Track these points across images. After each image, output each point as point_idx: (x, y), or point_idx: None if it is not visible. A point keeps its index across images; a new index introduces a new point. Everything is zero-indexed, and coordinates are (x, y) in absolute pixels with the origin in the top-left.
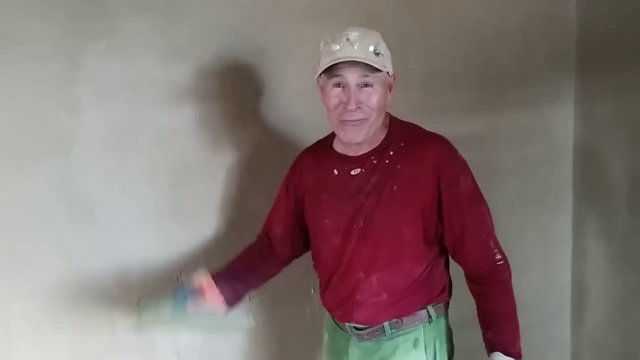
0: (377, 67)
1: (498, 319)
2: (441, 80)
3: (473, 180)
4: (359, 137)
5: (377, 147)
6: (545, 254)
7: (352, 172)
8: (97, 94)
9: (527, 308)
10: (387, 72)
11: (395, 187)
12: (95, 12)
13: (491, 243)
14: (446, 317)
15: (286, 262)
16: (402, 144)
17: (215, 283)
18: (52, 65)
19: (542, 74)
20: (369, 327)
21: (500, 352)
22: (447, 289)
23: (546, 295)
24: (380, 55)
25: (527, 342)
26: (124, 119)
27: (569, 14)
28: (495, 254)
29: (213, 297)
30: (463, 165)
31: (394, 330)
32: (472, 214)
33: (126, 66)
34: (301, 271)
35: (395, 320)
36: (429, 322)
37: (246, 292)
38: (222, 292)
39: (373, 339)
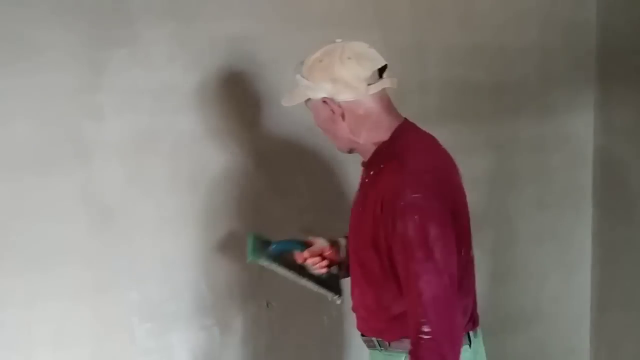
0: (289, 104)
1: None
2: (460, 87)
3: (417, 228)
4: (338, 149)
5: (367, 161)
6: (565, 262)
7: (361, 180)
8: (119, 102)
9: (546, 317)
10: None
11: (361, 209)
12: (118, 20)
13: (420, 310)
14: None
15: None
16: (382, 166)
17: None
18: (74, 73)
19: (561, 81)
20: (364, 336)
21: None
22: None
23: (565, 304)
24: (299, 86)
25: (546, 351)
26: (145, 126)
27: (589, 21)
28: (421, 323)
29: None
30: (406, 210)
31: (382, 348)
32: (406, 266)
33: (147, 74)
34: None
35: (381, 339)
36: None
37: None
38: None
39: (370, 349)
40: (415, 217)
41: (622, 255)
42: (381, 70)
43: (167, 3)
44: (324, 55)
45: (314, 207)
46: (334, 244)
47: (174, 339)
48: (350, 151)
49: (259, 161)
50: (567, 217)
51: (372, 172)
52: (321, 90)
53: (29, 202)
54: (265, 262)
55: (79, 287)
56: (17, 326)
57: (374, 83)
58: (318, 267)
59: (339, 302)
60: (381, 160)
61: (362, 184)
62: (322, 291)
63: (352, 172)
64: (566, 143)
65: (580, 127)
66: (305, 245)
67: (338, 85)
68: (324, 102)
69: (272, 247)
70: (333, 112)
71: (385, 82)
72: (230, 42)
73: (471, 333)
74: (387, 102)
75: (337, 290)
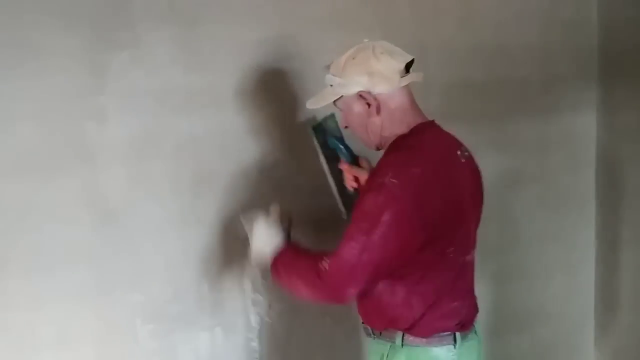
0: (317, 106)
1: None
2: (462, 88)
3: (376, 206)
4: (366, 147)
5: (384, 151)
6: (568, 263)
7: None
8: (121, 104)
9: (550, 317)
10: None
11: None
12: (120, 23)
13: (330, 255)
14: (427, 352)
15: None
16: (390, 153)
17: None
18: (77, 75)
19: (563, 81)
20: (363, 323)
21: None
22: (421, 325)
23: (569, 305)
24: (331, 86)
25: (550, 352)
26: (148, 127)
27: (591, 20)
28: (324, 260)
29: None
30: (378, 187)
31: (375, 335)
32: (352, 221)
33: (150, 76)
34: None
35: (373, 327)
36: (396, 344)
37: None
38: None
39: (367, 337)
40: (381, 197)
41: (625, 256)
42: (407, 67)
43: (168, 6)
44: (356, 53)
45: (320, 209)
46: None
47: (177, 340)
48: (378, 148)
49: (262, 161)
50: (570, 217)
51: (382, 156)
52: (357, 85)
53: (33, 205)
54: (316, 143)
55: (83, 288)
56: (21, 328)
57: (404, 76)
58: (348, 183)
59: (344, 217)
60: (392, 149)
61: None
62: (338, 200)
63: None
64: (569, 143)
65: (582, 127)
66: (354, 160)
67: (374, 78)
68: (360, 96)
69: (330, 139)
70: (369, 105)
71: (413, 76)
72: (231, 44)
73: (458, 334)
74: (412, 98)
75: (350, 209)
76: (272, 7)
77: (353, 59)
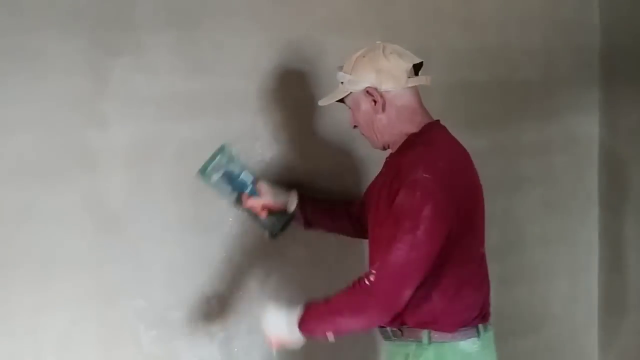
0: (328, 102)
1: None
2: (464, 90)
3: (414, 203)
4: (373, 146)
5: (392, 153)
6: (572, 264)
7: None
8: (122, 109)
9: (555, 319)
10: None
11: (379, 189)
12: (121, 28)
13: (378, 264)
14: (454, 347)
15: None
16: (406, 150)
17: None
18: (78, 80)
19: (565, 82)
20: (381, 327)
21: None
22: (446, 320)
23: (573, 306)
24: (342, 83)
25: (554, 354)
26: (149, 133)
27: (593, 23)
28: (371, 273)
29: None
30: (412, 184)
31: (395, 338)
32: (390, 230)
33: (151, 81)
34: (321, 279)
35: (398, 328)
36: (422, 342)
37: (317, 215)
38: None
39: (385, 340)
40: (418, 193)
41: (629, 256)
42: (416, 70)
43: (170, 11)
44: (366, 52)
45: None
46: (278, 196)
47: (180, 346)
48: (384, 147)
49: (264, 168)
50: (573, 219)
51: (395, 153)
52: (365, 82)
53: (34, 211)
54: (210, 186)
55: (85, 295)
56: (24, 334)
57: (412, 77)
58: (259, 214)
59: (266, 236)
60: (408, 147)
61: (384, 164)
62: (259, 225)
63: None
64: (571, 144)
65: (585, 128)
66: (253, 189)
67: (382, 75)
68: (367, 92)
69: (224, 176)
70: (375, 102)
71: (422, 79)
72: (232, 48)
73: (480, 326)
74: (420, 100)
75: (273, 230)
76: (273, 11)
77: (363, 57)
